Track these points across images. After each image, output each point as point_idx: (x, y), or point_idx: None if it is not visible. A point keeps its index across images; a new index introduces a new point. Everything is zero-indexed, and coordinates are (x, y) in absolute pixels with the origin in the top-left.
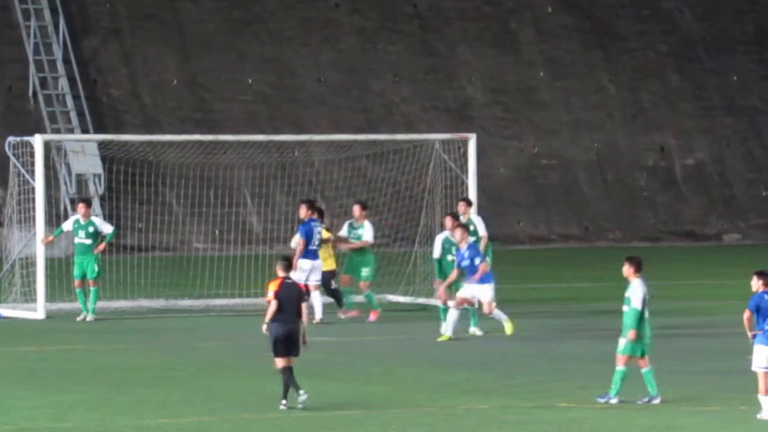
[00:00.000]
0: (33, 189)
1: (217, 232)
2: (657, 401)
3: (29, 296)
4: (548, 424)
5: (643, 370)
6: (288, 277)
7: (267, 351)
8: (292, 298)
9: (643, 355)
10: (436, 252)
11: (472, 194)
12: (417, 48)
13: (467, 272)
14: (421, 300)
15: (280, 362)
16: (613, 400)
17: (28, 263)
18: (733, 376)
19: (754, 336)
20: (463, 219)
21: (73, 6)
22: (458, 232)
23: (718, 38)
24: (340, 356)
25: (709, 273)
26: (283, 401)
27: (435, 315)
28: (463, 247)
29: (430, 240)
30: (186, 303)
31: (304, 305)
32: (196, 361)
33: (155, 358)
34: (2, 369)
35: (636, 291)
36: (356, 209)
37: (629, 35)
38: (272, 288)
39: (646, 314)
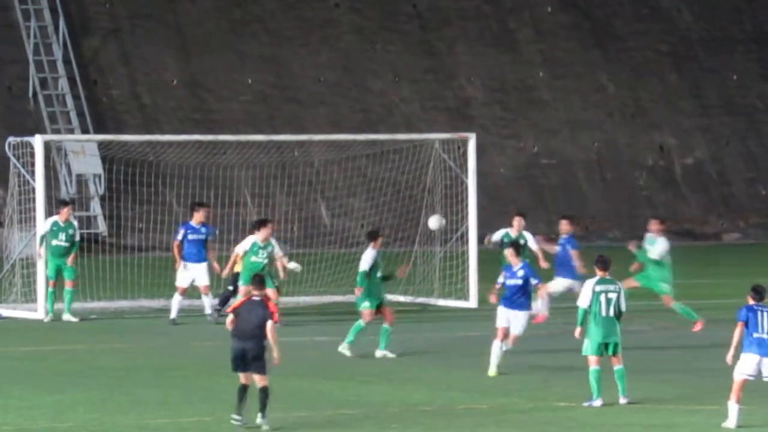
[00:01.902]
0: (33, 189)
1: (217, 232)
2: (597, 403)
3: (29, 296)
4: (547, 423)
5: (615, 368)
6: (257, 295)
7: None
8: (252, 316)
9: (614, 354)
10: (365, 263)
11: (472, 194)
12: (416, 48)
13: (512, 292)
14: (421, 299)
15: (241, 378)
16: (596, 403)
17: (29, 263)
18: (730, 375)
19: (743, 347)
20: (513, 233)
21: (72, 6)
22: (509, 252)
23: (716, 37)
24: (338, 356)
25: (709, 272)
26: (236, 416)
27: (437, 315)
28: (516, 264)
29: (430, 240)
30: (186, 303)
31: (269, 324)
32: (196, 361)
33: (154, 357)
34: (2, 369)
35: (584, 289)
36: (269, 229)
37: (628, 34)
38: (235, 302)
39: (603, 312)
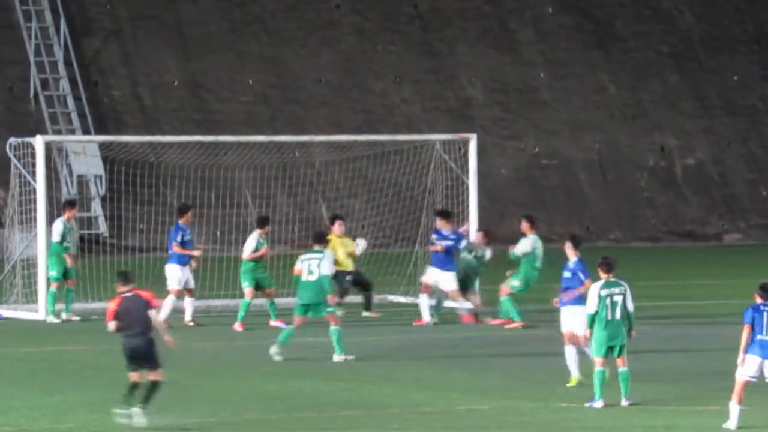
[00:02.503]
0: (34, 190)
1: (218, 233)
2: (598, 405)
3: (30, 297)
4: (548, 424)
5: (619, 370)
6: (127, 291)
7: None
8: (131, 311)
9: (619, 355)
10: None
11: (473, 194)
12: (417, 48)
13: (565, 287)
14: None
15: (132, 377)
16: (597, 404)
17: (29, 264)
18: (732, 376)
19: (746, 349)
20: (531, 236)
21: (73, 7)
22: (566, 246)
23: (717, 38)
24: None
25: (710, 273)
26: (133, 409)
27: (437, 315)
28: (572, 258)
29: (432, 241)
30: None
31: (151, 312)
32: (197, 362)
33: None
34: (3, 369)
35: (589, 294)
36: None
37: (629, 35)
38: (110, 307)
39: (609, 316)
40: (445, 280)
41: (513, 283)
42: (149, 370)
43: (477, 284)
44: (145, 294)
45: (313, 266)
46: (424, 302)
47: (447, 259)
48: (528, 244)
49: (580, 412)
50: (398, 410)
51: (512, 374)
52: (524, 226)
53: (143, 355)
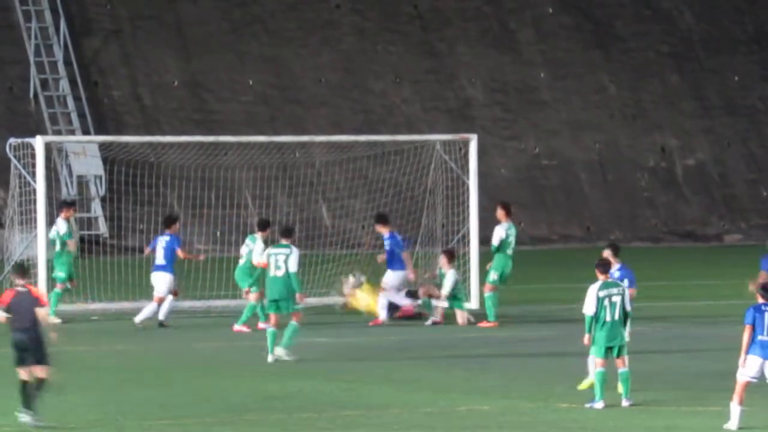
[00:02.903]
0: (34, 190)
1: (218, 233)
2: (599, 405)
3: None
4: (549, 424)
5: (620, 371)
6: (22, 286)
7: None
8: (21, 305)
9: (619, 356)
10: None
11: (473, 195)
12: (417, 48)
13: None
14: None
15: (21, 373)
16: (597, 405)
17: (30, 265)
18: (732, 376)
19: (747, 349)
20: (505, 223)
21: (73, 7)
22: (607, 253)
23: (718, 38)
24: (340, 357)
25: (710, 274)
26: (23, 413)
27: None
28: (615, 266)
29: (432, 241)
30: (187, 304)
31: (39, 310)
32: (197, 362)
33: (156, 358)
34: (3, 370)
35: (587, 296)
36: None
37: (629, 35)
38: (3, 299)
39: (608, 317)
40: (388, 277)
41: (491, 277)
42: (35, 365)
43: (464, 303)
44: (36, 291)
45: (280, 261)
46: (381, 301)
47: (392, 259)
48: (502, 231)
49: (580, 413)
50: (398, 410)
51: (512, 374)
52: (499, 213)
53: (28, 349)
